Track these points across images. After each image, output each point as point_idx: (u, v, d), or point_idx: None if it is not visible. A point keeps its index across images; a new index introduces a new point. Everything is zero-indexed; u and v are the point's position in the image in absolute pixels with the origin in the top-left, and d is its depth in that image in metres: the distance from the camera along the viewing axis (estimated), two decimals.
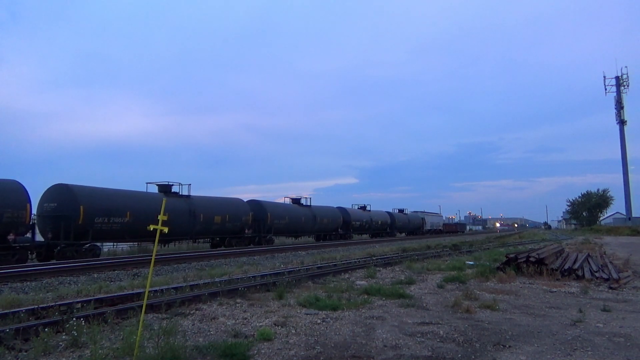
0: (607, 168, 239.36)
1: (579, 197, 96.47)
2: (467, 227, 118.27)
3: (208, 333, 6.19)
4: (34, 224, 18.95)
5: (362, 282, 11.39)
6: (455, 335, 6.19)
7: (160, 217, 5.20)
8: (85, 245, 19.71)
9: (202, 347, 5.30)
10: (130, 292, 8.96)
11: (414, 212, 69.79)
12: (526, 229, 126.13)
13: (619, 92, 73.93)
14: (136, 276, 13.44)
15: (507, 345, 5.74)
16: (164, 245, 25.67)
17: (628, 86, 73.83)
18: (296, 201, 38.72)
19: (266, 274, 12.38)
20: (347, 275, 13.14)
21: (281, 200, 38.77)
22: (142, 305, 5.28)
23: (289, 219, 34.63)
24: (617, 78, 74.43)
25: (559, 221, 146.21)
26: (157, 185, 26.04)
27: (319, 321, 6.93)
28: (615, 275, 12.19)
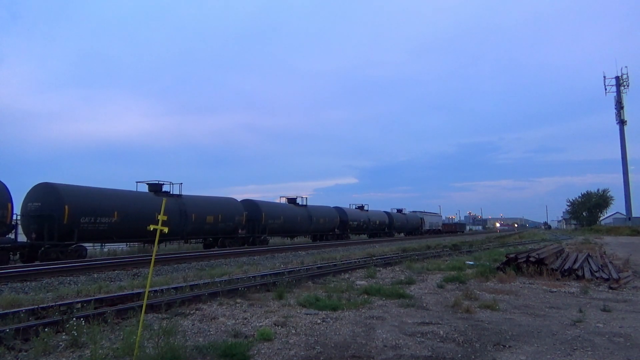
0: (607, 168, 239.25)
1: (579, 197, 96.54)
2: (467, 227, 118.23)
3: (208, 333, 6.20)
4: (16, 224, 18.43)
5: (362, 282, 11.40)
6: (455, 335, 6.19)
7: (160, 217, 5.20)
8: (71, 246, 19.17)
9: (202, 347, 5.30)
10: (130, 292, 8.96)
11: (413, 212, 69.21)
12: (526, 229, 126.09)
13: (619, 92, 73.95)
14: (136, 276, 13.44)
15: (507, 345, 5.74)
16: (148, 246, 24.89)
17: (628, 86, 73.90)
18: (292, 201, 38.15)
19: (266, 274, 12.38)
20: (347, 275, 13.14)
21: (278, 200, 38.38)
22: (142, 305, 5.28)
23: (284, 219, 34.04)
24: (617, 78, 74.45)
25: (559, 221, 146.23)
26: (147, 184, 25.47)
27: (319, 321, 6.93)
28: (615, 275, 12.20)
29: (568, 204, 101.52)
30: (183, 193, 25.94)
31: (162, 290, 8.90)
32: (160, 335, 5.11)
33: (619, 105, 73.18)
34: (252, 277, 11.66)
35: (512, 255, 14.05)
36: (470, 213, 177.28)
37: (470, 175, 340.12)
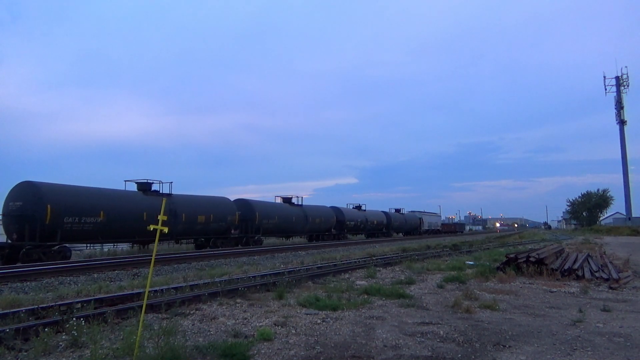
0: (607, 168, 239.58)
1: (579, 197, 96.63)
2: (467, 227, 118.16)
3: (208, 333, 6.19)
4: None
5: (362, 282, 11.40)
6: (455, 335, 6.19)
7: (160, 217, 5.19)
8: (55, 247, 18.54)
9: (202, 347, 5.30)
10: (130, 292, 8.96)
11: (411, 211, 68.79)
12: (526, 229, 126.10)
13: (619, 92, 73.96)
14: (136, 276, 13.44)
15: (507, 345, 5.74)
16: (143, 247, 24.62)
17: (628, 86, 73.94)
18: (287, 200, 37.44)
19: (266, 274, 12.38)
20: (347, 275, 13.14)
21: (277, 200, 37.69)
22: (142, 305, 5.28)
23: (278, 218, 33.38)
24: (617, 78, 74.47)
25: (559, 221, 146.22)
26: (136, 183, 24.73)
27: (319, 321, 6.93)
28: (615, 275, 12.19)
29: (568, 204, 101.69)
30: (174, 192, 25.39)
31: (162, 290, 8.90)
32: (160, 335, 5.11)
33: (619, 105, 73.19)
34: (252, 277, 11.66)
35: (512, 255, 14.05)
36: (470, 213, 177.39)
37: (470, 175, 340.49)
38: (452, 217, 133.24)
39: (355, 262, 16.86)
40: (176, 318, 6.89)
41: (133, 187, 24.63)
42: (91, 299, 7.81)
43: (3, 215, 18.83)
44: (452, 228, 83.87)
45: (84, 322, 5.76)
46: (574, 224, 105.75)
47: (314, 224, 38.28)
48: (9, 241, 18.47)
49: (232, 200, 30.65)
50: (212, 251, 23.11)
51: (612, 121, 75.65)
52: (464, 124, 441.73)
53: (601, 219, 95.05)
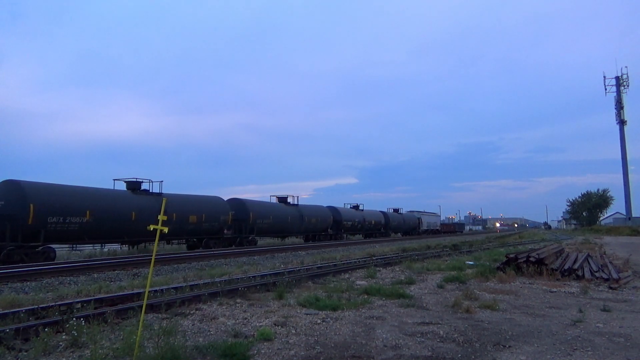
0: (607, 168, 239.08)
1: (579, 197, 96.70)
2: (467, 227, 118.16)
3: (208, 333, 6.19)
4: None
5: (362, 282, 11.40)
6: (455, 335, 6.19)
7: (160, 217, 5.19)
8: (38, 248, 17.93)
9: (202, 347, 5.30)
10: (130, 292, 8.96)
11: (410, 211, 68.39)
12: (526, 229, 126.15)
13: (619, 92, 73.98)
14: (136, 276, 13.44)
15: (507, 345, 5.74)
16: (132, 247, 24.05)
17: (628, 86, 73.96)
18: (282, 200, 36.78)
19: (266, 274, 12.38)
20: (347, 275, 13.14)
21: (273, 200, 36.95)
22: (142, 305, 5.28)
23: (273, 218, 32.64)
24: (617, 78, 74.49)
25: (559, 221, 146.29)
26: (125, 182, 24.10)
27: (319, 321, 6.93)
28: (615, 275, 12.19)
29: (568, 204, 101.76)
30: (164, 191, 24.87)
31: (162, 290, 8.90)
32: (160, 335, 5.11)
33: (619, 105, 73.22)
34: (252, 277, 11.66)
35: (512, 255, 14.05)
36: (470, 213, 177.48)
37: (470, 175, 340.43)
38: (452, 217, 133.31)
39: (355, 262, 16.86)
40: (176, 318, 6.90)
41: (122, 186, 24.09)
42: (91, 299, 7.82)
43: None
44: (451, 228, 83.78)
45: (84, 322, 5.76)
46: (574, 224, 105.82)
47: (310, 224, 37.64)
48: None
49: (225, 199, 30.01)
50: (212, 251, 23.06)
51: (612, 121, 75.78)
52: (464, 124, 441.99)
53: (601, 219, 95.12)
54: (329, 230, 41.55)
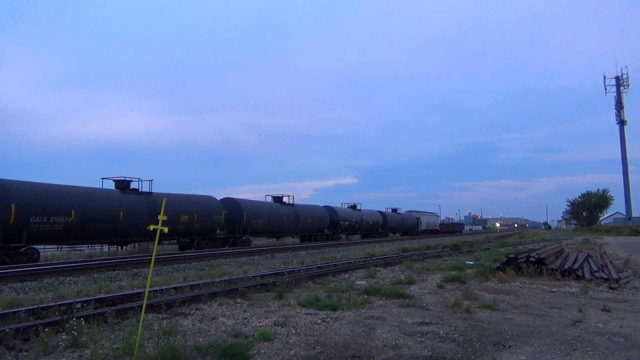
0: (607, 168, 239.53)
1: (579, 197, 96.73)
2: (467, 227, 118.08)
3: (208, 333, 6.20)
4: None
5: (362, 282, 11.40)
6: (455, 335, 6.19)
7: (161, 217, 5.19)
8: (21, 249, 17.40)
9: (202, 347, 5.30)
10: (130, 292, 8.96)
11: (409, 211, 68.02)
12: (526, 229, 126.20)
13: (619, 92, 74.02)
14: (136, 276, 13.44)
15: (507, 345, 5.74)
16: (121, 248, 23.52)
17: (628, 86, 74.03)
18: (278, 199, 36.20)
19: (266, 274, 12.38)
20: (347, 275, 13.14)
21: (268, 200, 36.38)
22: (142, 305, 5.28)
23: (268, 218, 31.97)
24: (617, 78, 74.53)
25: (559, 221, 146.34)
26: (114, 181, 23.50)
27: (319, 321, 6.93)
28: (615, 275, 12.19)
29: (568, 204, 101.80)
30: (155, 191, 24.33)
31: (162, 290, 8.90)
32: (160, 335, 5.11)
33: (619, 105, 73.26)
34: (252, 277, 11.66)
35: (512, 255, 14.05)
36: (470, 213, 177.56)
37: (470, 175, 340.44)
38: (452, 217, 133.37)
39: (355, 262, 16.86)
40: (176, 318, 6.90)
41: (111, 185, 23.52)
42: (91, 299, 7.81)
43: None
44: (450, 228, 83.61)
45: (84, 322, 5.76)
46: (574, 224, 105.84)
47: (306, 223, 37.01)
48: None
49: (218, 199, 29.48)
50: (212, 251, 23.03)
51: (612, 121, 75.83)
52: (464, 124, 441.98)
53: (601, 219, 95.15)
54: (325, 230, 41.01)
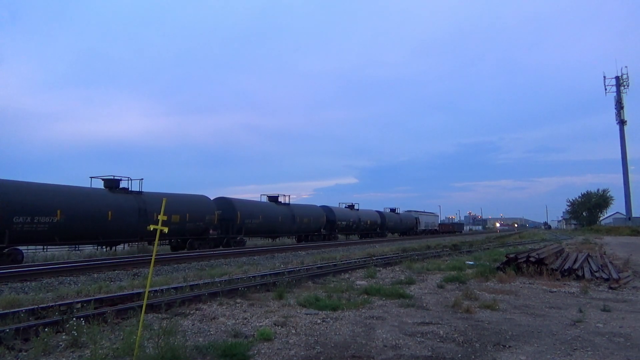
0: (607, 168, 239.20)
1: (579, 197, 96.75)
2: (467, 227, 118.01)
3: (208, 333, 6.20)
4: None
5: (362, 282, 11.40)
6: (455, 335, 6.19)
7: (160, 217, 5.19)
8: (3, 250, 16.88)
9: (202, 347, 5.30)
10: (130, 292, 8.96)
11: (407, 211, 67.65)
12: (526, 229, 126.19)
13: (619, 92, 74.09)
14: (136, 276, 13.44)
15: (507, 345, 5.74)
16: (110, 249, 22.98)
17: (628, 86, 74.15)
18: (273, 199, 35.79)
19: (266, 274, 12.38)
20: (347, 275, 13.15)
21: (263, 199, 36.00)
22: (142, 305, 5.28)
23: (263, 218, 31.52)
24: (617, 78, 74.64)
25: (559, 221, 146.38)
26: (102, 179, 23.02)
27: (319, 321, 6.93)
28: (615, 275, 12.20)
29: (568, 204, 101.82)
30: (145, 190, 23.86)
31: (162, 290, 8.90)
32: (160, 335, 5.11)
33: (619, 105, 73.34)
34: (252, 277, 11.66)
35: (512, 255, 14.06)
36: (470, 213, 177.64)
37: (470, 175, 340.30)
38: (452, 217, 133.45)
39: (355, 262, 16.86)
40: (176, 318, 6.89)
41: (100, 184, 23.04)
42: (91, 299, 7.81)
43: None
44: (450, 228, 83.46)
45: (84, 322, 5.76)
46: (574, 224, 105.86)
47: (302, 223, 36.51)
48: None
49: (212, 199, 29.13)
50: (212, 251, 23.04)
51: (612, 121, 75.94)
52: (464, 124, 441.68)
53: (601, 219, 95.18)
54: (322, 230, 40.56)
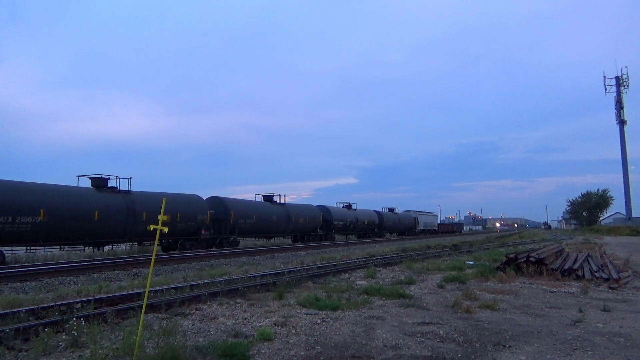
0: (607, 168, 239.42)
1: (579, 197, 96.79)
2: (467, 227, 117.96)
3: (208, 333, 6.20)
4: None
5: (362, 282, 11.40)
6: (455, 335, 6.19)
7: (161, 217, 5.19)
8: None
9: (202, 347, 5.30)
10: (130, 292, 8.96)
11: (406, 211, 67.30)
12: (526, 229, 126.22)
13: (618, 92, 74.10)
14: (136, 276, 13.44)
15: (507, 345, 5.74)
16: (97, 249, 22.40)
17: (628, 86, 74.16)
18: (268, 198, 35.42)
19: (266, 274, 12.38)
20: (347, 275, 13.15)
21: (258, 199, 35.71)
22: (142, 305, 5.28)
23: (257, 218, 30.97)
24: (617, 78, 74.64)
25: (559, 221, 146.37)
26: (90, 178, 22.50)
27: (319, 321, 6.93)
28: (615, 275, 12.20)
29: (568, 204, 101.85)
30: (134, 189, 23.43)
31: (162, 290, 8.90)
32: (160, 335, 5.11)
33: (619, 105, 73.34)
34: (252, 277, 11.66)
35: (512, 255, 14.06)
36: (470, 213, 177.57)
37: (470, 175, 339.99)
38: (452, 217, 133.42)
39: (355, 262, 16.87)
40: (176, 318, 6.90)
41: (88, 183, 22.59)
42: (91, 299, 7.82)
43: None
44: (450, 228, 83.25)
45: (84, 322, 5.76)
46: (574, 224, 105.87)
47: (298, 223, 35.97)
48: None
49: (204, 198, 28.64)
50: (212, 251, 23.04)
51: (612, 121, 75.92)
52: (464, 124, 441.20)
53: (601, 219, 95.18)
54: (318, 230, 39.93)
